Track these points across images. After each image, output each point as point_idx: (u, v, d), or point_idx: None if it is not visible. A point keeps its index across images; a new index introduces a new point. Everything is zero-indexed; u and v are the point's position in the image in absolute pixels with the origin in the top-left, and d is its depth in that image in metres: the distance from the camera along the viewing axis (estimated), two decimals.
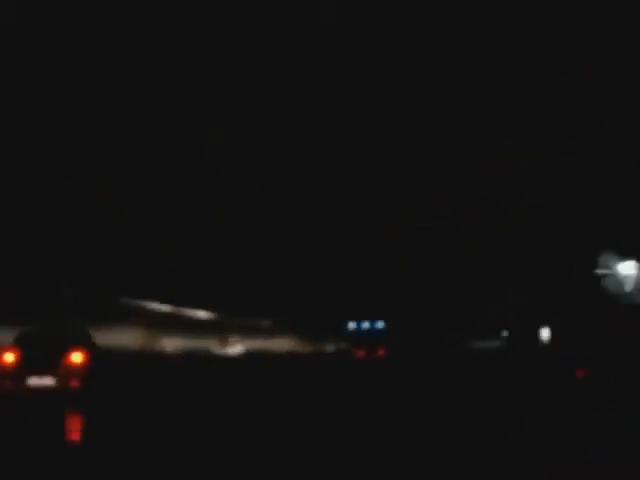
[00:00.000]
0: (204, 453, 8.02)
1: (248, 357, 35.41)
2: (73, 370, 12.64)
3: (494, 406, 13.76)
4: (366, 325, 52.46)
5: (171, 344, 28.86)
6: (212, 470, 7.55)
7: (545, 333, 44.64)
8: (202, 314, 34.65)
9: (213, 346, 34.26)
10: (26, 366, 12.40)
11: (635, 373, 20.55)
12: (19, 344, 12.75)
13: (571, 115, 36.00)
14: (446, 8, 36.47)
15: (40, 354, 12.56)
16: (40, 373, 12.38)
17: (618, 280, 34.57)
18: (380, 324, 52.45)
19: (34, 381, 12.35)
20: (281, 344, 43.59)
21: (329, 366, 32.46)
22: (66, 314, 19.80)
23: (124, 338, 23.48)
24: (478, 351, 48.34)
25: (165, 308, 31.01)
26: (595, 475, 7.84)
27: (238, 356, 35.54)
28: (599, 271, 35.22)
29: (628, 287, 34.07)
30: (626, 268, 34.79)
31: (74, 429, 10.35)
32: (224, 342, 35.54)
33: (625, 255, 34.43)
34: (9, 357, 12.36)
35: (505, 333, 53.10)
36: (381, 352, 45.62)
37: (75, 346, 12.88)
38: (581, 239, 34.58)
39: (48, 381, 12.42)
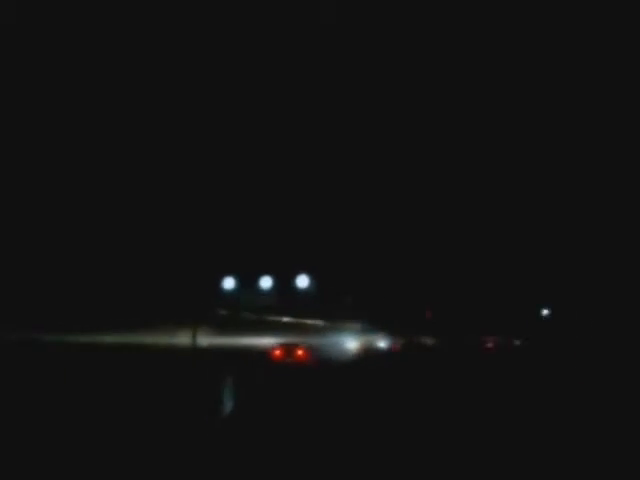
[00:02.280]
0: None
1: None
2: (300, 356, 27.49)
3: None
4: (267, 284, 32.00)
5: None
6: None
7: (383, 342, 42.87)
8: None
9: None
10: (284, 354, 27.42)
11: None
12: (280, 345, 28.45)
13: (571, 115, 36.03)
14: (446, 8, 36.49)
15: (287, 350, 27.68)
16: (289, 357, 27.09)
17: None
18: (304, 280, 32.43)
19: (287, 360, 26.91)
20: None
21: None
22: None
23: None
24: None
25: None
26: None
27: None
28: None
29: None
30: None
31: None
32: None
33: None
34: (278, 351, 27.74)
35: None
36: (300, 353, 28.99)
37: (300, 347, 28.44)
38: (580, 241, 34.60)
39: (291, 360, 26.97)
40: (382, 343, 43.72)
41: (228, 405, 13.46)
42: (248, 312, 35.94)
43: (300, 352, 27.24)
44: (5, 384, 16.18)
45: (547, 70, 36.63)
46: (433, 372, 26.65)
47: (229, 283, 31.77)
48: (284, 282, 32.54)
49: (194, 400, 14.30)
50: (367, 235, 40.08)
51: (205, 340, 31.09)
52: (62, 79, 31.60)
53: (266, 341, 33.47)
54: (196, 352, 29.79)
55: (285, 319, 38.36)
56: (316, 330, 39.49)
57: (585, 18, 34.63)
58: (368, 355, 37.94)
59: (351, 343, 39.35)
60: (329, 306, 39.31)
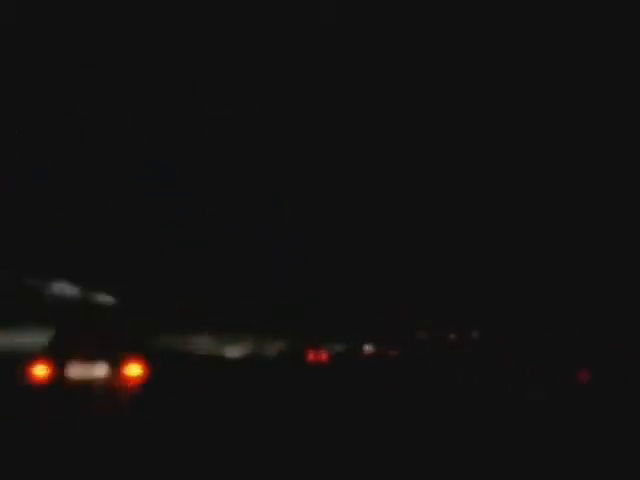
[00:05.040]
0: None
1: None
2: (323, 357, 29.68)
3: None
4: None
5: None
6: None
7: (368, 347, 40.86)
8: None
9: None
10: (314, 356, 30.36)
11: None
12: (311, 348, 30.50)
13: (571, 115, 36.03)
14: (447, 7, 36.50)
15: (315, 352, 30.00)
16: (317, 358, 29.67)
17: None
18: None
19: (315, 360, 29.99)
20: None
21: None
22: None
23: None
24: None
25: None
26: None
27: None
28: None
29: None
30: None
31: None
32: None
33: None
34: (311, 355, 30.19)
35: None
36: None
37: (323, 350, 30.14)
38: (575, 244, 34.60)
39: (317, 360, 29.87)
40: None
41: None
42: None
43: (323, 355, 31.24)
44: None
45: (547, 70, 36.64)
46: None
47: None
48: None
49: None
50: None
51: None
52: (62, 79, 31.64)
53: None
54: None
55: None
56: None
57: (585, 18, 34.66)
58: None
59: None
60: None
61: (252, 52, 35.33)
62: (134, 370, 10.17)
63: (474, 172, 37.63)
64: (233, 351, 29.64)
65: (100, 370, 9.92)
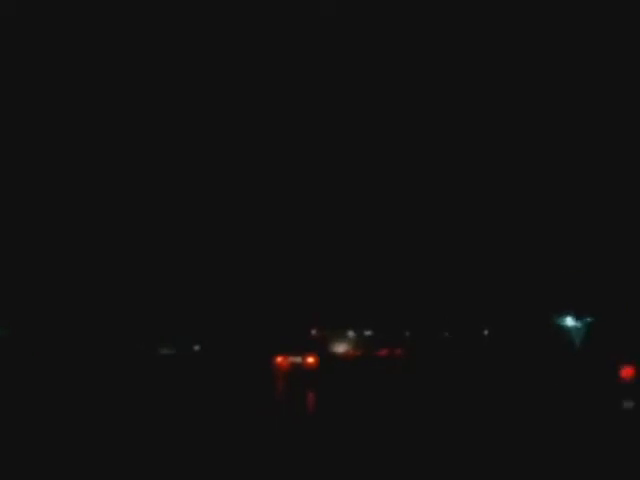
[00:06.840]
0: None
1: None
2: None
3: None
4: None
5: None
6: None
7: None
8: None
9: None
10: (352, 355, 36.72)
11: None
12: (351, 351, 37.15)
13: (570, 115, 36.05)
14: (447, 3, 36.34)
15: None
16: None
17: None
18: None
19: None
20: None
21: None
22: None
23: None
24: None
25: None
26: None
27: None
28: None
29: None
30: None
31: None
32: None
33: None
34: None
35: None
36: None
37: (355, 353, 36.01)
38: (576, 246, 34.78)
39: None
40: None
41: None
42: None
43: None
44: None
45: (547, 70, 36.58)
46: None
47: None
48: None
49: None
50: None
51: None
52: (62, 76, 31.55)
53: None
54: None
55: None
56: None
57: (585, 18, 34.58)
58: None
59: None
60: None
61: (252, 46, 35.17)
62: (310, 359, 30.70)
63: (473, 174, 37.70)
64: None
65: (298, 359, 30.90)
